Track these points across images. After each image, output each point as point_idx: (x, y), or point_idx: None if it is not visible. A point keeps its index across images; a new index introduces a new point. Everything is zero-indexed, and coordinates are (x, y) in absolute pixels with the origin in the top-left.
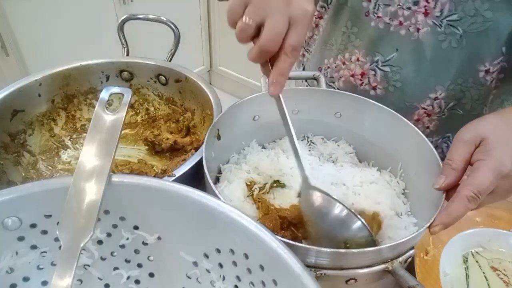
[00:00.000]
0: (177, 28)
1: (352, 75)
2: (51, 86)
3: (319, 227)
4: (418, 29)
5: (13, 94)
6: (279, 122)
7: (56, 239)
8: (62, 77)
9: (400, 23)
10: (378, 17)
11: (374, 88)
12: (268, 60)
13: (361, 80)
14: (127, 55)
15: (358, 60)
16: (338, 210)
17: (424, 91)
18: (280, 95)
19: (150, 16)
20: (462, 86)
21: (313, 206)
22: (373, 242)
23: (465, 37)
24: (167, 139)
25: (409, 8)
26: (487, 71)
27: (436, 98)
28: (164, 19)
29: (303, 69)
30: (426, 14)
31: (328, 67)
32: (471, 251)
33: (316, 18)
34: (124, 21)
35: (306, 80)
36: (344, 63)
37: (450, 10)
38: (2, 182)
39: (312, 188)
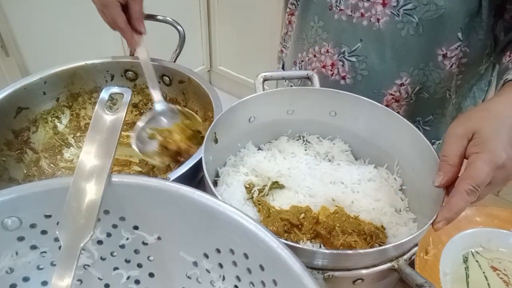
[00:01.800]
0: (183, 29)
1: (324, 66)
2: (56, 84)
3: None
4: (378, 19)
5: (18, 92)
6: (274, 123)
7: (56, 239)
8: (67, 76)
9: (362, 15)
10: (341, 10)
11: (344, 78)
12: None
13: (331, 70)
14: (132, 54)
15: (327, 51)
16: None
17: (389, 78)
18: None
19: (158, 17)
20: (424, 70)
21: None
22: None
23: (421, 24)
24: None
25: (368, 0)
26: (444, 56)
27: (402, 84)
28: (170, 19)
29: (283, 65)
30: (384, 4)
31: (302, 61)
32: (471, 251)
33: (288, 15)
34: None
35: (285, 81)
36: (315, 56)
37: (405, 0)
38: (4, 179)
39: None
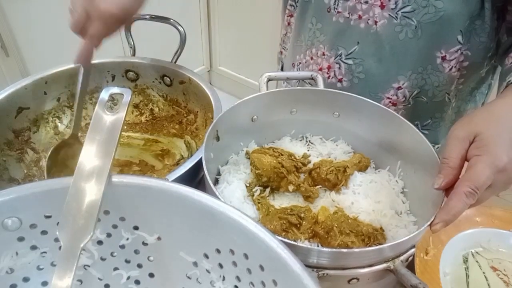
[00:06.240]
0: (184, 30)
1: (320, 69)
2: (57, 84)
3: None
4: (376, 22)
5: (19, 92)
6: (277, 123)
7: (56, 240)
8: (68, 76)
9: (359, 17)
10: (338, 12)
11: (340, 81)
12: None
13: (328, 73)
14: (133, 55)
15: (324, 54)
16: None
17: (386, 81)
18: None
19: (158, 18)
20: (423, 74)
21: None
22: None
23: (420, 27)
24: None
25: (366, 2)
26: (443, 58)
27: (399, 88)
28: (171, 20)
29: (282, 67)
30: (382, 7)
31: (300, 63)
32: (471, 251)
33: (287, 16)
34: (132, 21)
35: (284, 82)
36: (312, 58)
37: (404, 2)
38: (4, 178)
39: None
